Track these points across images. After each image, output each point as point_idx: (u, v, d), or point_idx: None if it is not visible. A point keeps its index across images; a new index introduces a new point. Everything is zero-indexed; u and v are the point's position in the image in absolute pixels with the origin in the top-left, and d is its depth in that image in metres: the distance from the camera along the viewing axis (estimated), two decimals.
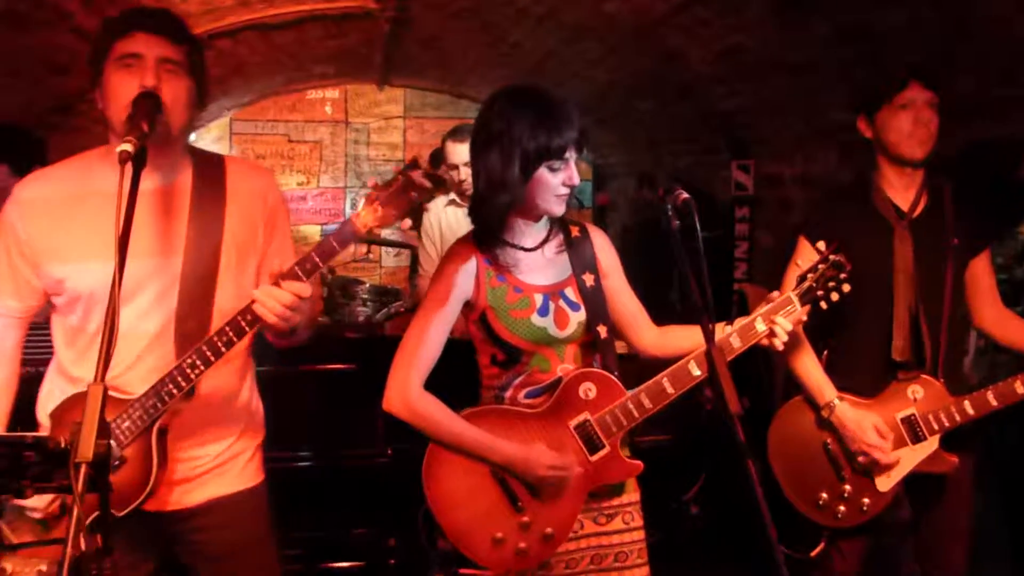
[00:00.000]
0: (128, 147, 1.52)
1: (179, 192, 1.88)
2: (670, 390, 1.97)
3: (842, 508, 2.43)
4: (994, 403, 2.37)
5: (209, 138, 7.51)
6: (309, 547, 3.87)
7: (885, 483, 2.41)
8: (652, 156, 5.86)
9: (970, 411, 2.38)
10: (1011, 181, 3.16)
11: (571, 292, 2.06)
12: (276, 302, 1.62)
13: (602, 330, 2.04)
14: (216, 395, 1.92)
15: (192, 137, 7.29)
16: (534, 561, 2.02)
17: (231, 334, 1.71)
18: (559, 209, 1.98)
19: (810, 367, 2.46)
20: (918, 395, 2.43)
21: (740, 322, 2.03)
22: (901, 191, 2.52)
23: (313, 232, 7.64)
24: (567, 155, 1.93)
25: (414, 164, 1.55)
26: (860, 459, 2.40)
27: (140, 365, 1.82)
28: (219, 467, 1.96)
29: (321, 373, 4.46)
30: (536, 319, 2.01)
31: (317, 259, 1.64)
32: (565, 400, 2.00)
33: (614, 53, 4.81)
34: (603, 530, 2.08)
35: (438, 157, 5.56)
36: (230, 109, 7.41)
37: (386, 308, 4.77)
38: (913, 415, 2.41)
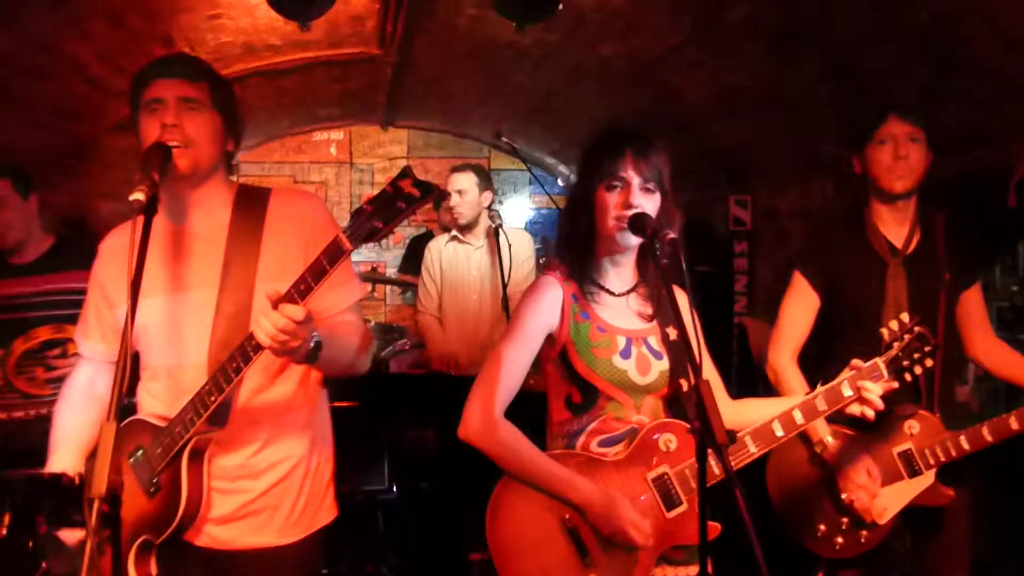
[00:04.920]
0: (140, 196, 1.58)
1: (216, 228, 1.93)
2: (752, 449, 1.92)
3: (840, 540, 2.45)
4: (989, 438, 2.40)
5: None
6: None
7: (881, 516, 2.43)
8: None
9: (966, 446, 2.41)
10: (1002, 210, 3.21)
11: (654, 340, 2.00)
12: (271, 325, 1.60)
13: (684, 383, 1.95)
14: (260, 425, 1.91)
15: None
16: None
17: (239, 360, 1.71)
18: (619, 236, 1.90)
19: None
20: (914, 430, 2.46)
21: (827, 386, 1.99)
22: (894, 227, 2.55)
23: None
24: (623, 174, 1.89)
25: (404, 174, 1.50)
26: (843, 496, 2.42)
27: (185, 397, 1.83)
28: (271, 509, 1.93)
29: None
30: (618, 360, 1.94)
31: (310, 279, 1.61)
32: (643, 450, 1.91)
33: (612, 92, 4.91)
34: None
35: (441, 197, 5.65)
36: (238, 152, 7.54)
37: (390, 346, 4.82)
38: (909, 450, 2.44)
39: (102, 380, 2.06)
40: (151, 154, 1.73)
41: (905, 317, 2.07)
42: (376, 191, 1.61)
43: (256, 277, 1.88)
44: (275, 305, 1.61)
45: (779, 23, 3.38)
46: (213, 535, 1.89)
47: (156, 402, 1.93)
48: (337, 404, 3.85)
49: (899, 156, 2.45)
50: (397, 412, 4.00)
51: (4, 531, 1.76)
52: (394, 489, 4.16)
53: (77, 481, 1.76)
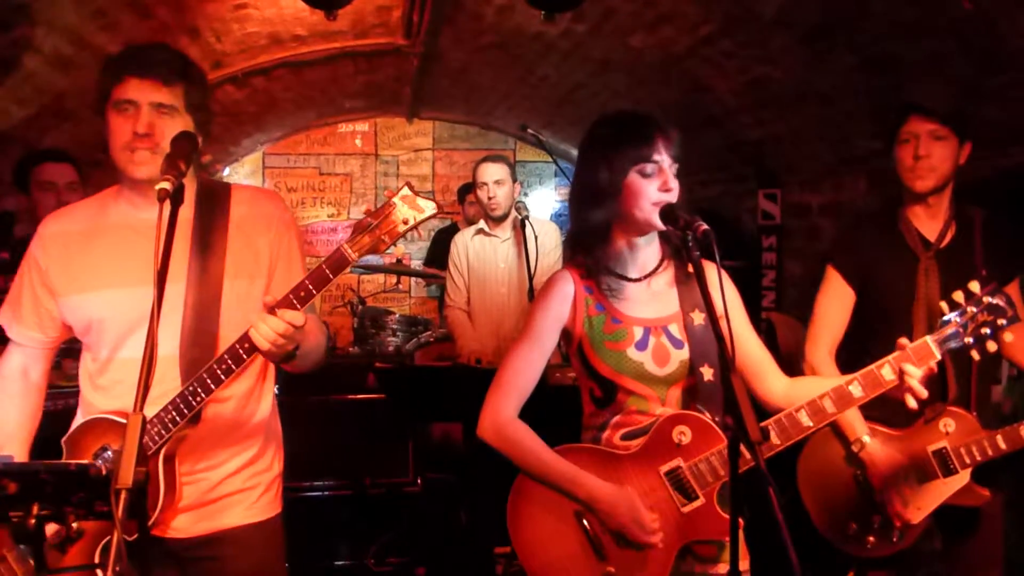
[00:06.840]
0: (166, 185, 1.58)
1: (181, 223, 1.86)
2: (775, 441, 1.82)
3: (872, 539, 2.42)
4: None
5: (243, 172, 7.67)
6: None
7: (916, 515, 2.39)
8: (680, 185, 5.82)
9: (1002, 445, 2.35)
10: None
11: (676, 328, 1.92)
12: (271, 330, 1.63)
13: (707, 372, 1.87)
14: (224, 419, 1.93)
15: (227, 172, 7.47)
16: None
17: (230, 362, 1.73)
18: (656, 220, 1.83)
19: None
20: (950, 428, 2.41)
21: (865, 369, 1.84)
22: (927, 221, 2.52)
23: None
24: (656, 158, 1.84)
25: (406, 190, 1.53)
26: (876, 499, 2.39)
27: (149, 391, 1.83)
28: (230, 496, 1.95)
29: (351, 403, 4.49)
30: (632, 352, 1.89)
31: (311, 287, 1.66)
32: (657, 444, 1.85)
33: (641, 85, 4.85)
34: None
35: (466, 190, 5.65)
36: (263, 144, 7.57)
37: (416, 338, 4.82)
38: (945, 448, 2.40)
39: (36, 368, 2.03)
40: (178, 143, 1.72)
41: (975, 286, 1.85)
42: (400, 184, 1.68)
43: (224, 275, 1.89)
44: (271, 310, 1.64)
45: (813, 15, 3.31)
46: (171, 525, 1.89)
47: (103, 395, 1.91)
48: (363, 396, 3.89)
49: (918, 155, 2.42)
50: (422, 405, 4.00)
51: (32, 520, 1.77)
52: (418, 481, 4.17)
53: (104, 472, 1.76)
